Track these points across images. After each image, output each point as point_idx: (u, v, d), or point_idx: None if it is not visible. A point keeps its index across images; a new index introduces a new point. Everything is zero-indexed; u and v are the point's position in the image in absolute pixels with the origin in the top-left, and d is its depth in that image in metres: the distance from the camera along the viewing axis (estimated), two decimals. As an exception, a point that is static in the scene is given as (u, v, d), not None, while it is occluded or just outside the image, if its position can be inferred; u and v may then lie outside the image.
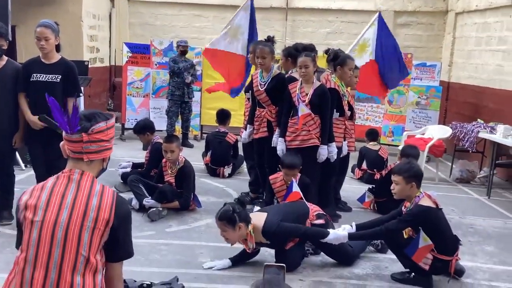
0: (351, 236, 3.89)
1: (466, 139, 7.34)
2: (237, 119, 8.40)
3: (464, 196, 6.75)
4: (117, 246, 2.06)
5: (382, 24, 7.33)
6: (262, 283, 1.80)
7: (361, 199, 5.87)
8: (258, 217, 3.95)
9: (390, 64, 7.14)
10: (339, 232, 3.88)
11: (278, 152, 5.08)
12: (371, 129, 7.62)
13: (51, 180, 2.04)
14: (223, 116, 7.40)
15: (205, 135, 8.80)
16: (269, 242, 3.95)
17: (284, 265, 2.80)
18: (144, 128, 6.18)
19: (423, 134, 8.27)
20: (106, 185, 5.33)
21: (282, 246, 4.01)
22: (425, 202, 3.84)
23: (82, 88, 8.29)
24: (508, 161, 7.17)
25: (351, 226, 3.98)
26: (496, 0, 8.40)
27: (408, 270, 3.96)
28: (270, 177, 5.00)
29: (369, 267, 4.19)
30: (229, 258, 4.06)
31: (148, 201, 5.17)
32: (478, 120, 7.60)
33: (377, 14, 7.45)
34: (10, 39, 6.53)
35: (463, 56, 9.84)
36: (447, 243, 3.84)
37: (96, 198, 2.01)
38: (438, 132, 8.02)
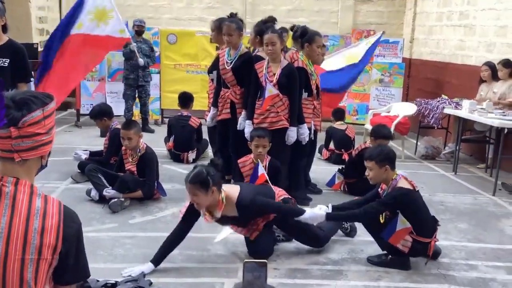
0: (328, 217, 3.72)
1: (431, 116, 7.31)
2: (200, 102, 8.12)
3: (431, 173, 6.74)
4: (68, 269, 1.64)
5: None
6: (242, 286, 1.57)
7: (331, 183, 5.73)
8: (231, 188, 3.72)
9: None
10: (316, 211, 3.70)
11: (246, 136, 4.85)
12: (338, 108, 7.48)
13: None
14: (186, 99, 7.10)
15: (166, 120, 8.47)
16: (237, 215, 3.67)
17: (266, 261, 2.57)
18: (101, 113, 5.81)
19: (388, 112, 8.22)
20: (62, 175, 4.85)
21: (247, 222, 3.77)
22: (404, 184, 3.72)
23: (32, 73, 7.82)
24: (473, 136, 7.19)
25: (327, 207, 3.81)
26: (457, -26, 8.35)
27: (385, 252, 3.84)
28: (239, 161, 4.78)
29: (344, 251, 4.05)
30: (150, 261, 3.60)
31: (108, 191, 4.86)
32: (443, 96, 7.58)
33: (381, 33, 7.86)
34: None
35: (425, 32, 9.82)
36: (425, 224, 3.74)
37: (38, 218, 1.54)
38: (403, 109, 7.97)
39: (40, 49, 8.29)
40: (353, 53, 7.69)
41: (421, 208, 3.75)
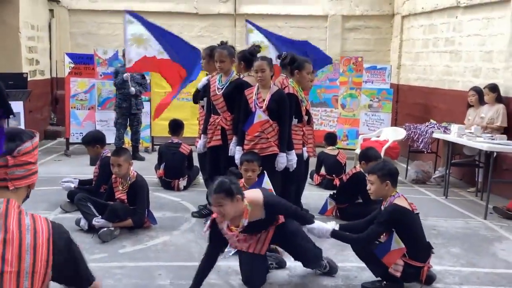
0: (333, 234, 3.68)
1: (420, 140, 7.36)
2: (190, 128, 8.11)
3: (422, 197, 6.74)
4: (71, 278, 1.82)
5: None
6: None
7: (323, 210, 5.70)
8: (250, 193, 3.68)
9: None
10: (324, 225, 3.68)
11: (236, 161, 4.84)
12: (329, 133, 7.52)
13: None
14: (176, 126, 7.09)
15: (156, 147, 8.44)
16: (263, 218, 3.62)
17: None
18: (94, 140, 5.76)
19: (378, 136, 8.27)
20: (51, 205, 4.83)
21: (268, 226, 3.73)
22: (401, 202, 3.74)
23: (21, 102, 7.80)
24: (462, 160, 7.23)
25: (335, 224, 3.79)
26: (442, 2, 8.54)
27: (379, 278, 3.80)
28: None
29: (338, 278, 4.01)
30: None
31: (98, 220, 4.79)
32: (431, 120, 7.66)
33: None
34: None
35: (411, 58, 9.97)
36: (419, 248, 3.72)
37: (29, 234, 1.68)
38: (392, 134, 8.03)
39: (30, 78, 8.29)
40: None
41: (417, 230, 3.75)
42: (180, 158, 6.73)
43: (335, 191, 5.81)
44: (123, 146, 7.73)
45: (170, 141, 7.02)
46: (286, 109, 4.73)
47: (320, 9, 10.92)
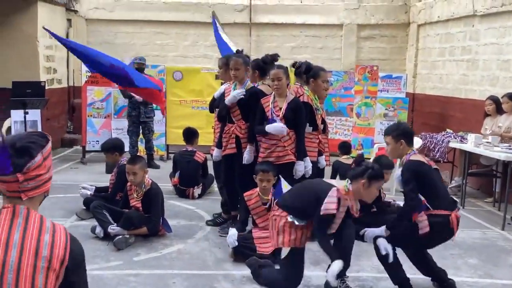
0: (388, 227, 3.72)
1: (436, 150, 7.30)
2: (205, 137, 8.13)
3: (438, 207, 6.66)
4: None
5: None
6: None
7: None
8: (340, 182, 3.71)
9: None
10: (378, 230, 3.77)
11: (244, 161, 4.90)
12: (344, 142, 7.48)
13: None
14: (190, 134, 7.12)
15: (171, 155, 8.47)
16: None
17: None
18: (113, 147, 5.81)
19: (393, 146, 8.20)
20: (67, 212, 4.86)
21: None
22: (416, 157, 3.78)
23: (39, 110, 7.91)
24: (479, 170, 7.14)
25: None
26: (458, 11, 8.49)
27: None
28: (245, 194, 4.75)
29: (353, 288, 3.97)
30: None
31: (113, 228, 4.81)
32: (448, 130, 7.58)
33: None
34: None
35: (427, 67, 9.91)
36: (441, 197, 3.72)
37: (48, 234, 1.70)
38: (408, 143, 7.95)
39: (47, 86, 8.41)
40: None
41: (436, 182, 3.75)
42: (194, 166, 6.75)
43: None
44: (138, 154, 7.78)
45: (184, 149, 7.05)
46: (302, 117, 4.73)
47: (335, 18, 10.93)
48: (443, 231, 3.69)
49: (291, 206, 3.67)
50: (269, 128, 4.64)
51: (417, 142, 7.79)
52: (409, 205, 3.69)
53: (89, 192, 5.74)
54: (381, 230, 3.73)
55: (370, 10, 10.84)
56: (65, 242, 1.72)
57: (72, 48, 6.12)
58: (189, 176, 6.70)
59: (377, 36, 10.95)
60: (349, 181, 3.59)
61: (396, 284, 3.79)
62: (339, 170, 6.96)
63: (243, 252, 4.41)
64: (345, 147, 7.17)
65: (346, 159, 7.06)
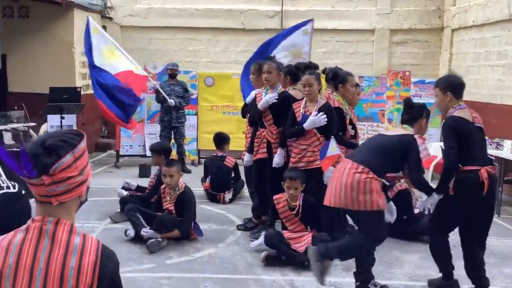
0: (438, 191, 3.71)
1: (471, 156, 7.14)
2: (236, 142, 8.19)
3: (473, 215, 6.52)
4: None
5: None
6: None
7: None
8: None
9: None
10: (432, 198, 3.73)
11: (273, 164, 4.90)
12: None
13: (19, 235, 1.56)
14: (220, 140, 7.19)
15: (202, 160, 8.57)
16: None
17: None
18: (162, 150, 5.99)
19: (426, 152, 8.07)
20: (102, 215, 4.90)
21: None
22: (460, 113, 3.72)
23: (75, 115, 8.12)
24: (516, 177, 6.97)
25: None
26: (494, 15, 8.32)
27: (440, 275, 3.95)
28: (274, 197, 4.78)
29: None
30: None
31: (146, 231, 4.90)
32: (483, 136, 7.41)
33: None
34: (0, 67, 6.35)
35: (461, 72, 9.62)
36: (474, 155, 3.64)
37: (75, 257, 1.53)
38: (441, 149, 7.81)
39: (83, 92, 8.64)
40: (296, 46, 7.50)
41: (473, 140, 3.66)
42: (225, 172, 6.81)
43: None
44: (174, 158, 7.91)
45: (215, 154, 7.12)
46: (333, 122, 4.73)
47: (367, 23, 10.85)
48: (470, 186, 3.62)
49: (375, 163, 3.62)
50: (307, 125, 4.61)
51: (436, 148, 7.65)
52: (449, 162, 3.64)
53: (125, 193, 5.88)
54: (433, 197, 3.70)
55: (403, 14, 10.73)
56: (93, 266, 1.55)
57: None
58: (220, 181, 6.76)
59: (410, 41, 10.82)
60: (408, 125, 3.74)
61: (441, 272, 3.89)
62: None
63: (278, 250, 4.48)
64: None
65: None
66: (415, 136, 3.72)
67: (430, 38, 10.75)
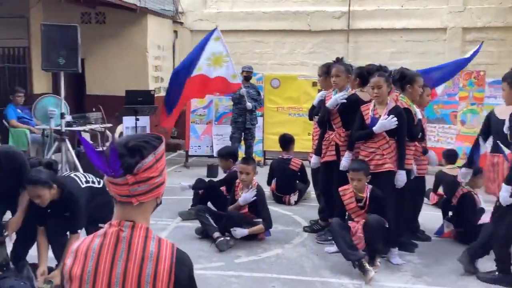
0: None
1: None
2: (301, 144, 8.22)
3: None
4: None
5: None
6: None
7: (439, 232, 5.47)
8: None
9: None
10: None
11: (340, 168, 4.86)
12: (449, 150, 7.07)
13: (97, 240, 1.62)
14: (285, 141, 7.21)
15: (268, 161, 8.66)
16: None
17: None
18: (229, 154, 6.17)
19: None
20: (173, 213, 5.06)
21: None
22: None
23: (148, 117, 8.46)
24: None
25: None
26: None
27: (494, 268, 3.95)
28: (340, 189, 4.71)
29: None
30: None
31: (236, 229, 5.04)
32: None
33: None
34: (80, 71, 6.76)
35: (541, 72, 9.20)
36: None
37: (151, 263, 1.57)
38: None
39: (156, 94, 8.98)
40: (215, 54, 7.76)
41: None
42: (290, 174, 6.86)
43: (451, 213, 5.52)
44: (250, 157, 8.05)
45: (280, 156, 7.18)
46: (404, 124, 4.64)
47: (439, 21, 10.53)
48: None
49: None
50: (376, 128, 4.56)
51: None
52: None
53: (187, 184, 6.12)
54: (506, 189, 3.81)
55: (476, 12, 10.31)
56: (169, 272, 1.58)
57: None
58: (285, 183, 6.82)
59: (484, 39, 10.36)
60: None
61: (496, 261, 3.92)
62: (442, 182, 6.63)
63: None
64: (450, 156, 6.78)
65: (450, 169, 6.71)
66: None
67: (506, 37, 10.27)
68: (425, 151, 5.24)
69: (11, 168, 3.82)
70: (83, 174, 4.11)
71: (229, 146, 6.82)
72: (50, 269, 3.86)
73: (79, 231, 3.83)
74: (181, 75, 7.50)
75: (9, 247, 4.08)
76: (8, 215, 4.16)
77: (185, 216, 5.90)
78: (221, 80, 7.69)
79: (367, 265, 4.18)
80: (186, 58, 7.94)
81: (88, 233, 3.81)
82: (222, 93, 8.61)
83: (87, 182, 3.98)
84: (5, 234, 3.97)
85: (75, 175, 4.07)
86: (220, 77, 7.65)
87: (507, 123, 3.88)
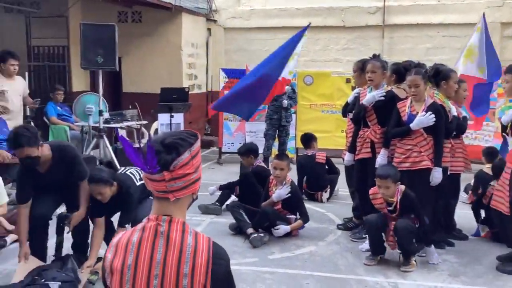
0: None
1: None
2: (334, 140, 8.18)
3: None
4: None
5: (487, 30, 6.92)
6: None
7: (476, 235, 5.35)
8: None
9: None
10: None
11: (376, 165, 4.78)
12: (489, 147, 6.84)
13: (136, 234, 1.66)
14: (307, 139, 7.21)
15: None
16: None
17: None
18: (249, 151, 6.24)
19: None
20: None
21: None
22: None
23: (182, 114, 8.57)
24: None
25: None
26: None
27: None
28: (370, 191, 4.63)
29: None
30: None
31: (277, 227, 5.10)
32: None
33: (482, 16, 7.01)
34: (117, 69, 6.91)
35: None
36: None
37: (189, 256, 1.61)
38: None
39: (190, 92, 9.08)
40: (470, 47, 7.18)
41: None
42: (318, 169, 6.85)
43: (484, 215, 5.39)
44: (285, 153, 8.06)
45: (305, 153, 7.17)
46: (441, 121, 4.57)
47: (476, 16, 10.21)
48: None
49: None
50: (414, 125, 4.52)
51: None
52: None
53: (214, 187, 6.27)
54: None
55: (516, 6, 10.02)
56: (206, 265, 1.61)
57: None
58: (316, 179, 6.82)
59: (524, 34, 10.08)
60: None
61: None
62: (481, 182, 6.39)
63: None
64: (490, 154, 6.52)
65: (489, 169, 6.45)
66: None
67: (548, 31, 9.93)
68: None
69: (64, 161, 3.99)
70: (137, 171, 4.25)
71: (247, 143, 6.85)
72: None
73: (126, 225, 3.99)
74: (267, 71, 6.70)
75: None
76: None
77: (203, 210, 6.04)
78: (282, 80, 7.36)
79: None
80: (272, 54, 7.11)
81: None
82: (280, 93, 7.60)
83: (140, 179, 4.13)
84: (67, 227, 4.12)
85: (130, 172, 4.25)
86: (283, 77, 7.26)
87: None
